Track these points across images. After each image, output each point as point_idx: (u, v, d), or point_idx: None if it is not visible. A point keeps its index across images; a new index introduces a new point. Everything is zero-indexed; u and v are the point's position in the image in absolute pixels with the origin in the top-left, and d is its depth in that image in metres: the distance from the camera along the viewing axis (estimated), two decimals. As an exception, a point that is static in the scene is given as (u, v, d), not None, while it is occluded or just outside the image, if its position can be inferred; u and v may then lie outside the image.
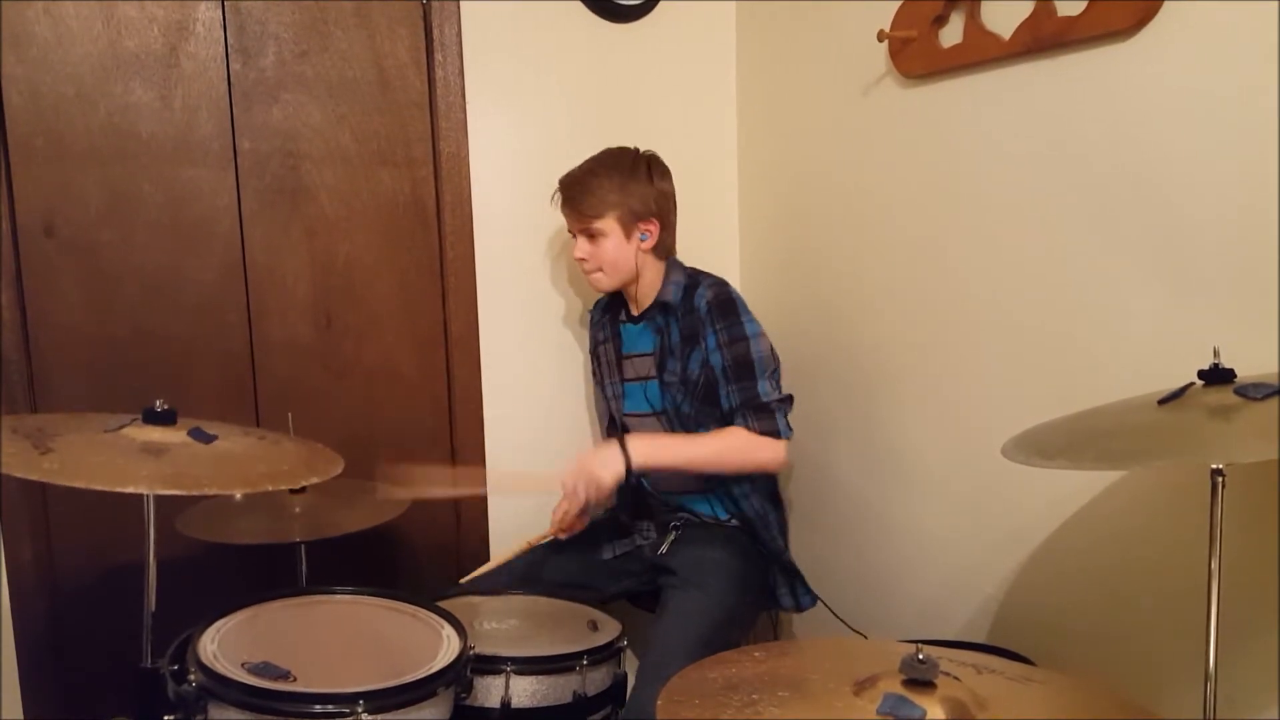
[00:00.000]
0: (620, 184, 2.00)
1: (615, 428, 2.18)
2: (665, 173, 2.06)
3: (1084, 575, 1.69)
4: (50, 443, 1.39)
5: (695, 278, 2.04)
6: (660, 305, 2.04)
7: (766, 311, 2.12)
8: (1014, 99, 1.73)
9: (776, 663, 1.25)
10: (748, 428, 1.92)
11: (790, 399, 1.99)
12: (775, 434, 1.92)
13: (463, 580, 2.00)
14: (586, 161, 2.06)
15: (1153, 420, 1.25)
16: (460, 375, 2.34)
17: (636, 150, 2.06)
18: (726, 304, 1.96)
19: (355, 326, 2.27)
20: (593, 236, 2.02)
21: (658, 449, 1.95)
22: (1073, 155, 1.63)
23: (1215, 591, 1.22)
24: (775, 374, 2.00)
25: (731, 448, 1.94)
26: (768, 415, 1.92)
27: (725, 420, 1.97)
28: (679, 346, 2.01)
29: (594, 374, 2.27)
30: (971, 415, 1.88)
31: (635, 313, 2.11)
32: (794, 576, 2.06)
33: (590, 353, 2.29)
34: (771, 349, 2.02)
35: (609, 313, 2.19)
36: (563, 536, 2.09)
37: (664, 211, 2.04)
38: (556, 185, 2.07)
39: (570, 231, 2.08)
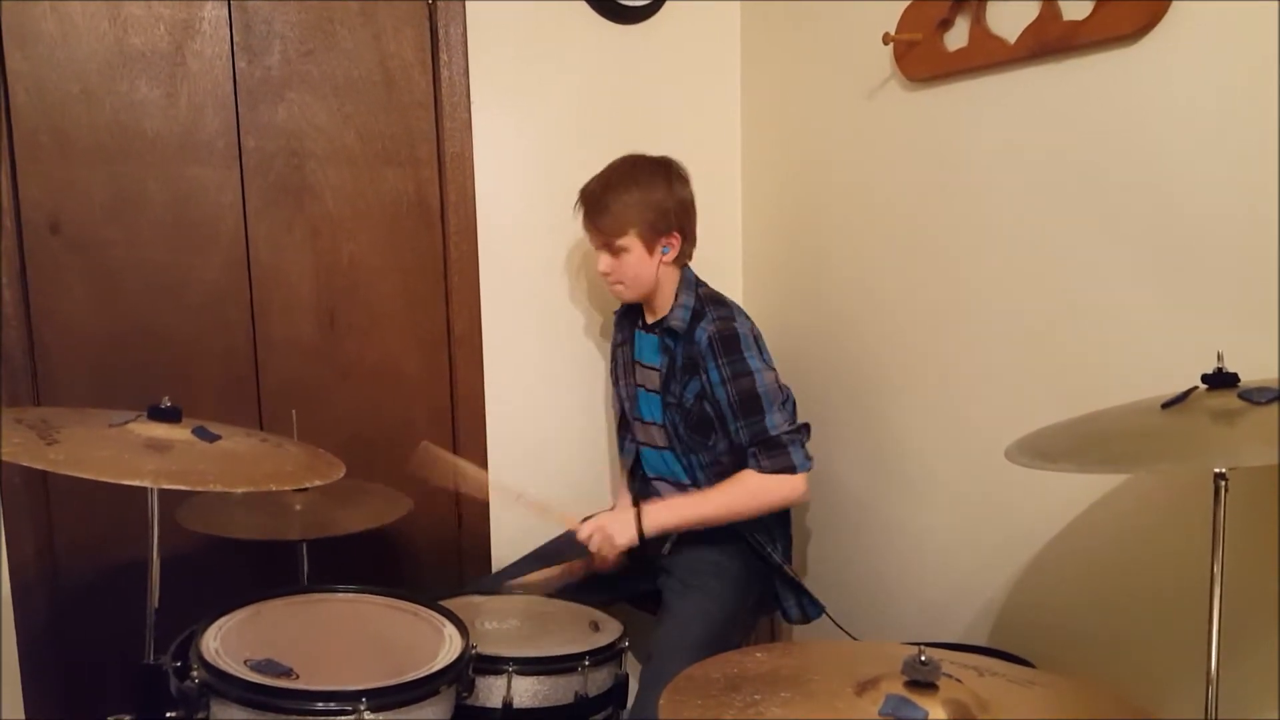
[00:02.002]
0: (641, 198, 1.98)
1: (624, 426, 2.19)
2: (684, 179, 2.05)
3: (1086, 578, 1.69)
4: (56, 434, 1.39)
5: (703, 306, 2.00)
6: (668, 328, 2.03)
7: (769, 316, 2.13)
8: (1019, 103, 1.73)
9: (779, 663, 1.25)
10: (759, 468, 1.90)
11: (806, 428, 1.96)
12: (790, 469, 1.90)
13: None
14: (606, 172, 2.04)
15: (1156, 424, 1.25)
16: (463, 375, 2.34)
17: (654, 158, 2.05)
18: (729, 339, 1.94)
19: (358, 326, 2.27)
20: (615, 252, 2.01)
21: (671, 514, 1.95)
22: (1078, 159, 1.63)
23: (1217, 595, 1.22)
24: (786, 405, 1.97)
25: (744, 495, 1.92)
26: (780, 451, 1.89)
27: (732, 447, 1.96)
28: (680, 372, 2.02)
29: (611, 371, 2.27)
30: (975, 418, 1.88)
31: (650, 321, 2.11)
32: (798, 590, 2.06)
33: (611, 351, 2.29)
34: (778, 381, 1.97)
35: (628, 316, 2.19)
36: (602, 570, 2.04)
37: (684, 222, 2.03)
38: (577, 196, 2.06)
39: (593, 244, 2.07)
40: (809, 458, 1.93)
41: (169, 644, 1.48)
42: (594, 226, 2.03)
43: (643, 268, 2.01)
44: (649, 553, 2.05)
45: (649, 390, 2.10)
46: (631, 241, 1.99)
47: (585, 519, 1.98)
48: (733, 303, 2.05)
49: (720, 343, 1.94)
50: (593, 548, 1.92)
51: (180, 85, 2.07)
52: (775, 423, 1.90)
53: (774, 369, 1.97)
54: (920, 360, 2.01)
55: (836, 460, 2.25)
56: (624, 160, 2.06)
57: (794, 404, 2.03)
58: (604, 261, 2.04)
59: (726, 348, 1.93)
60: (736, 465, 1.95)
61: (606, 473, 2.47)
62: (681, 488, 2.09)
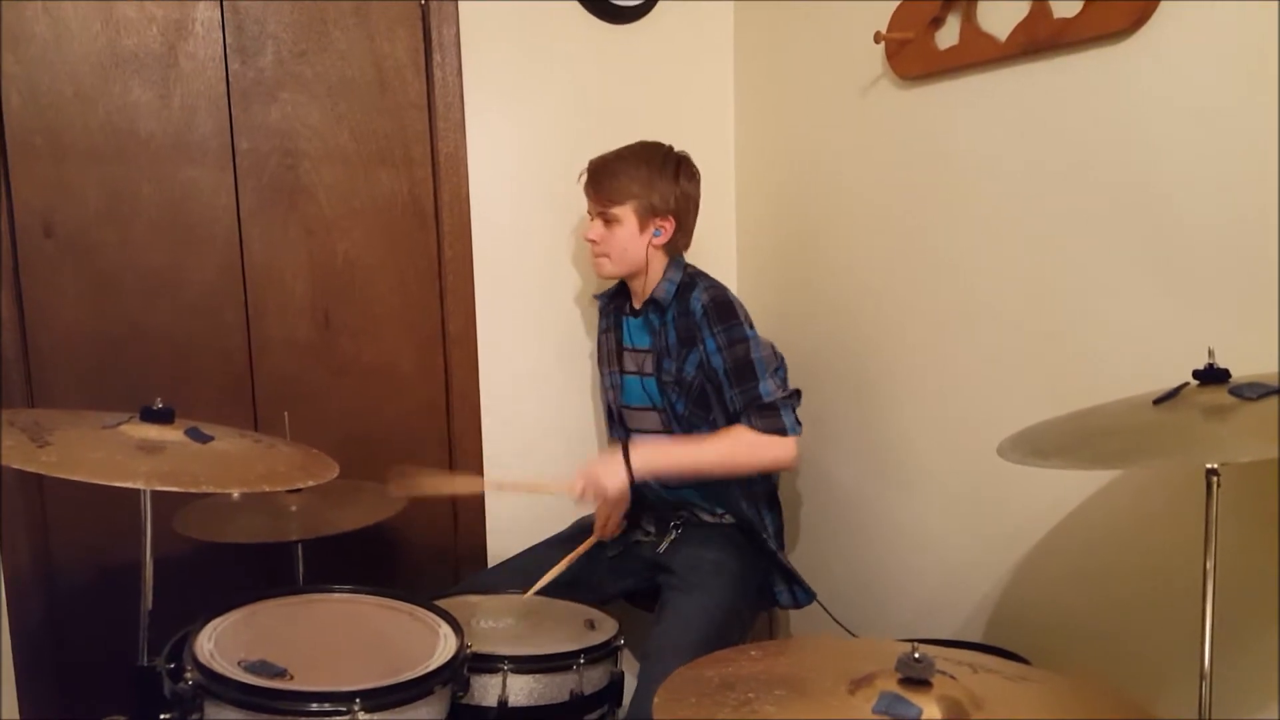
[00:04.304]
0: (646, 176, 2.01)
1: (614, 417, 2.19)
2: (694, 175, 2.08)
3: (1080, 575, 1.69)
4: (48, 436, 1.39)
5: (693, 279, 2.04)
6: (653, 302, 2.05)
7: (762, 311, 2.13)
8: (1010, 100, 1.73)
9: (773, 661, 1.25)
10: (753, 427, 1.92)
11: (797, 394, 2.00)
12: (781, 432, 1.92)
13: (528, 593, 1.97)
14: (621, 148, 2.08)
15: (1148, 420, 1.25)
16: (458, 374, 2.35)
17: (670, 148, 2.08)
18: (724, 307, 1.96)
19: (353, 326, 2.27)
20: (608, 221, 2.03)
21: (661, 457, 1.95)
22: (1069, 156, 1.64)
23: (1210, 591, 1.22)
24: (778, 372, 2.02)
25: (737, 447, 1.93)
26: (772, 414, 1.92)
27: (729, 420, 1.98)
28: (675, 347, 2.01)
29: (598, 361, 2.28)
30: (967, 415, 1.89)
31: (636, 306, 2.12)
32: (791, 577, 2.06)
33: (596, 339, 2.30)
34: (773, 348, 2.03)
35: (614, 302, 2.20)
36: (606, 539, 2.10)
37: (682, 212, 2.05)
38: (586, 165, 2.09)
39: (589, 213, 2.09)
40: (799, 422, 1.96)
41: (163, 645, 1.48)
42: (595, 190, 2.05)
43: (631, 243, 2.02)
44: (645, 531, 2.09)
45: (642, 374, 2.10)
46: (626, 213, 2.01)
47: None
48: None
49: (715, 310, 1.95)
50: (585, 500, 1.92)
51: (173, 86, 2.07)
52: (769, 389, 1.92)
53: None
54: (913, 357, 2.01)
55: (830, 456, 2.26)
56: (641, 142, 2.08)
57: (785, 370, 2.09)
58: (594, 229, 2.05)
59: (721, 315, 1.95)
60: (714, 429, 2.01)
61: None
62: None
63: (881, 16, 1.96)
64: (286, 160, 2.17)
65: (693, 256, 2.14)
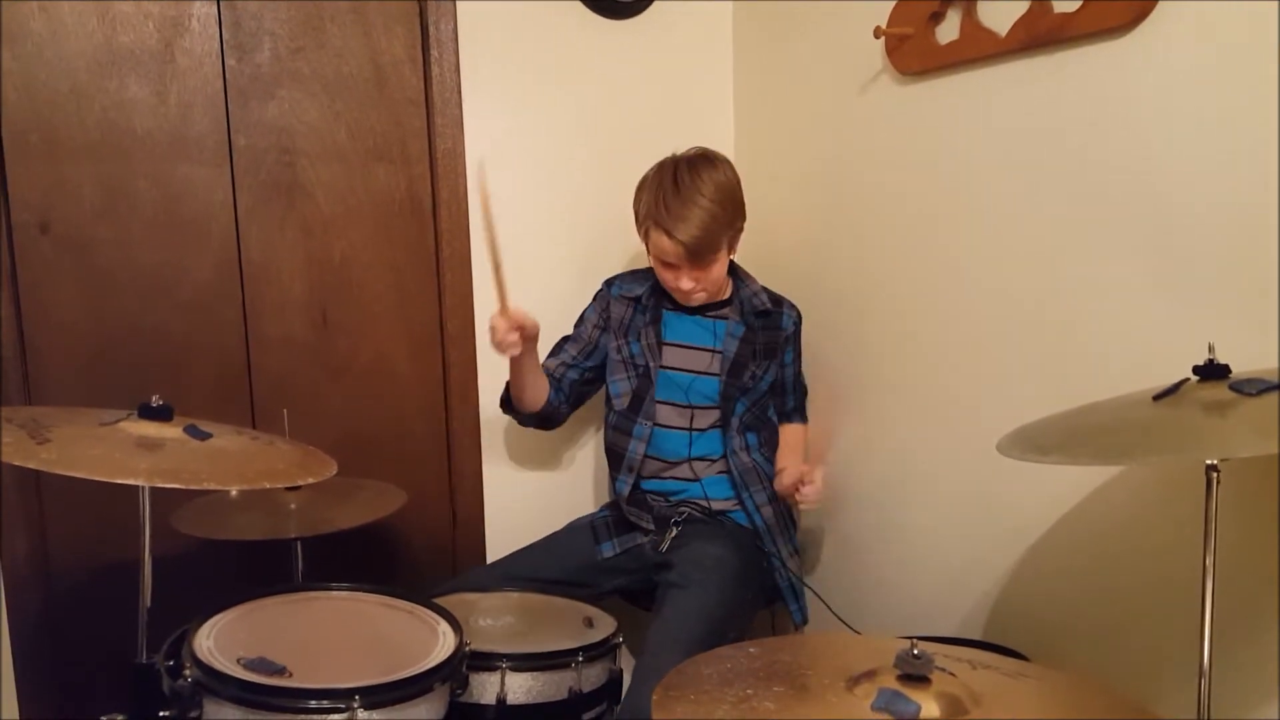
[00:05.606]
0: (733, 212, 1.99)
1: (636, 412, 2.11)
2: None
3: (1079, 571, 1.69)
4: (46, 433, 1.39)
5: (769, 291, 2.15)
6: (749, 310, 2.09)
7: (763, 308, 2.13)
8: (1010, 96, 1.73)
9: (772, 658, 1.25)
10: (803, 422, 2.23)
11: None
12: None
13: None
14: (701, 198, 1.93)
15: (1148, 416, 1.25)
16: (456, 372, 2.34)
17: (711, 156, 2.01)
18: (800, 325, 2.18)
19: (351, 323, 2.27)
20: (705, 266, 1.99)
21: None
22: (1069, 152, 1.63)
23: (1210, 587, 1.22)
24: None
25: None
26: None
27: (784, 417, 2.20)
28: (759, 355, 2.07)
29: (615, 350, 2.14)
30: (967, 411, 1.88)
31: (698, 304, 2.09)
32: (799, 591, 2.11)
33: (607, 329, 2.17)
34: None
35: (653, 297, 2.13)
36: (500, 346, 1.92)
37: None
38: (671, 233, 1.92)
39: (667, 260, 1.99)
40: None
41: (162, 643, 1.47)
42: (698, 261, 1.96)
43: (722, 269, 2.04)
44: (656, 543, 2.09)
45: (699, 373, 2.09)
46: (721, 253, 2.01)
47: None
48: None
49: (799, 330, 2.17)
50: (811, 497, 1.97)
51: (170, 83, 2.07)
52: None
53: None
54: (912, 353, 2.01)
55: (828, 453, 2.25)
56: (717, 177, 1.97)
57: None
58: (686, 280, 1.99)
59: (800, 333, 2.18)
60: (770, 431, 2.17)
61: (600, 467, 2.47)
62: (710, 462, 2.11)
63: (881, 11, 1.95)
64: (284, 157, 2.17)
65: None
